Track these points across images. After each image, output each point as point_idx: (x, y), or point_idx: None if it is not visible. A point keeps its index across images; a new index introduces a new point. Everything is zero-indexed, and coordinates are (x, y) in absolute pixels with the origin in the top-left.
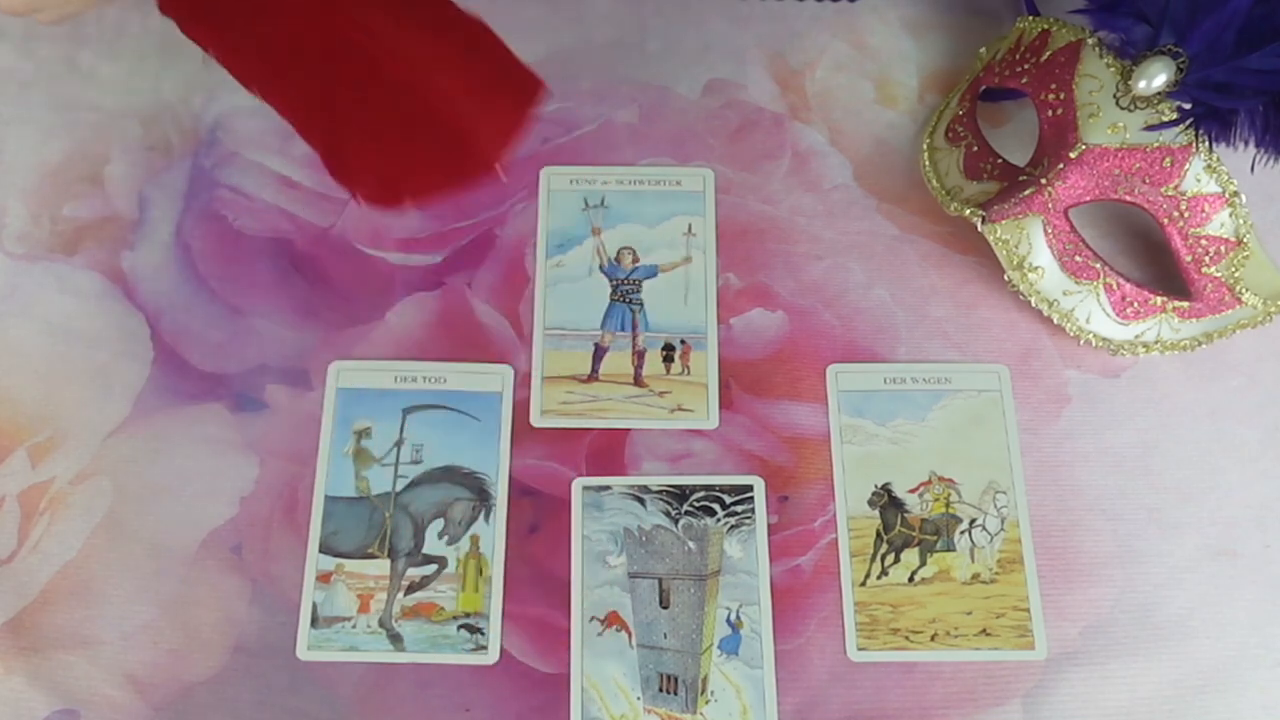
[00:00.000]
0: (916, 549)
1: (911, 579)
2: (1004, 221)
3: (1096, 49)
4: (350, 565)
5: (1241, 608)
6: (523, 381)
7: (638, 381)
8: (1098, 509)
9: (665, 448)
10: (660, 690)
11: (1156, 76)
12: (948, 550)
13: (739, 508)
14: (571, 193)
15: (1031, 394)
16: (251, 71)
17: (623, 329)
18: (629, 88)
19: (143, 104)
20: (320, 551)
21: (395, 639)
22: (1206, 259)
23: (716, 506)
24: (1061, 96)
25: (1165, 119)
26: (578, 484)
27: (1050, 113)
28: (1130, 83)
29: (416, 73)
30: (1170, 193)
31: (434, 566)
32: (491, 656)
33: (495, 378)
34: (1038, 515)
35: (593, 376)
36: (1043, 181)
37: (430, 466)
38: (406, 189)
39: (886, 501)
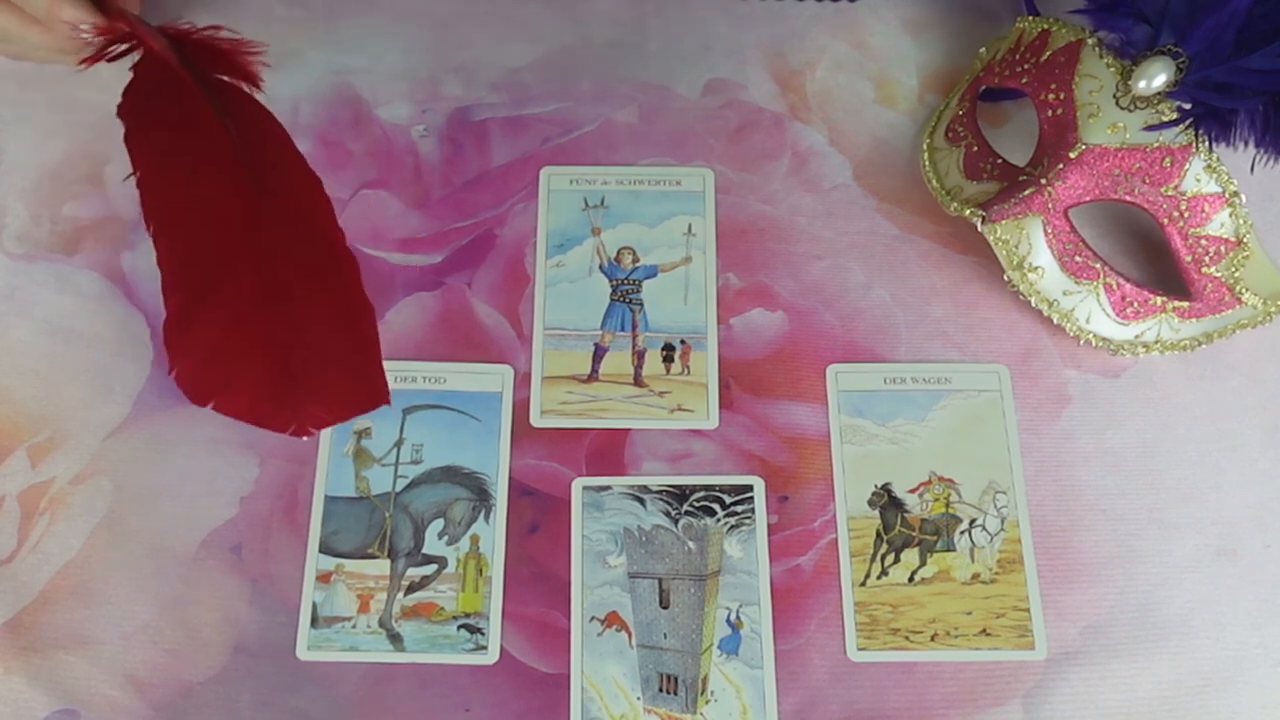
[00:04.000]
0: (916, 549)
1: (911, 579)
2: (1004, 221)
3: (1096, 49)
4: (350, 565)
5: (1241, 608)
6: (523, 381)
7: (638, 381)
8: (1098, 509)
9: (665, 448)
10: (660, 690)
11: (1156, 76)
12: (948, 550)
13: (739, 508)
14: (571, 193)
15: (1031, 394)
16: (160, 208)
17: (623, 329)
18: (629, 88)
19: None
20: (320, 551)
21: (395, 639)
22: (1206, 259)
23: (716, 506)
24: (1061, 96)
25: (1165, 119)
26: (578, 484)
27: (1050, 113)
28: (1130, 83)
29: (293, 309)
30: (1170, 193)
31: (434, 566)
32: (491, 656)
33: (495, 378)
34: (1038, 515)
35: (593, 376)
36: (1043, 181)
37: (430, 466)
38: (217, 396)
39: (886, 501)
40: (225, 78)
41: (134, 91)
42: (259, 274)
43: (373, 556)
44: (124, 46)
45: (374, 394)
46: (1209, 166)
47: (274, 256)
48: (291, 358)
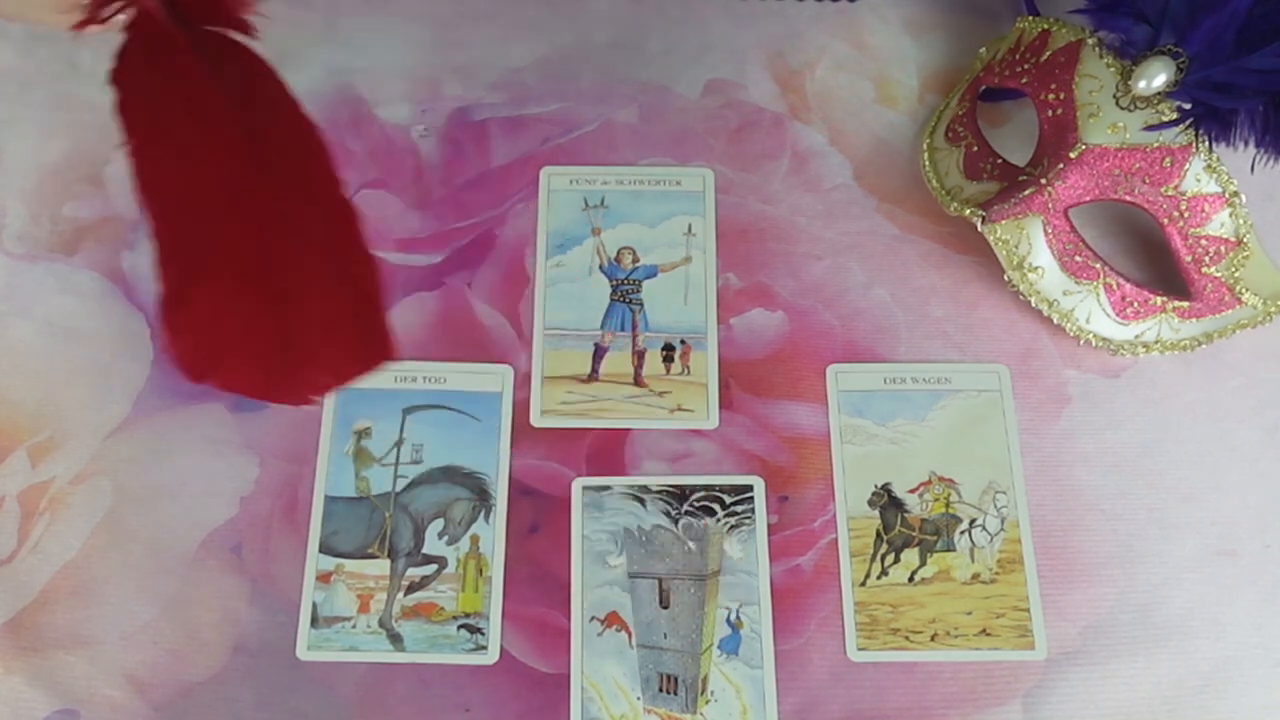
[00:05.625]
0: (916, 549)
1: (911, 579)
2: (1004, 221)
3: (1096, 49)
4: (350, 565)
5: (1241, 608)
6: (523, 381)
7: (638, 381)
8: (1098, 509)
9: (665, 448)
10: (660, 690)
11: (1156, 76)
12: (948, 550)
13: (739, 508)
14: (571, 193)
15: (1031, 394)
16: (152, 179)
17: (623, 329)
18: (629, 88)
19: None
20: (320, 551)
21: (395, 639)
22: (1206, 259)
23: (716, 506)
24: (1061, 96)
25: (1165, 119)
26: (578, 484)
27: (1050, 113)
28: (1130, 83)
29: (288, 274)
30: (1170, 193)
31: (434, 566)
32: (491, 656)
33: (495, 378)
34: (1038, 515)
35: (593, 376)
36: (1043, 181)
37: (430, 466)
38: (213, 372)
39: (886, 501)
40: (217, 29)
41: (125, 54)
42: (255, 241)
43: (373, 556)
44: (117, 5)
45: (377, 350)
46: (1209, 166)
47: (270, 220)
48: (289, 323)
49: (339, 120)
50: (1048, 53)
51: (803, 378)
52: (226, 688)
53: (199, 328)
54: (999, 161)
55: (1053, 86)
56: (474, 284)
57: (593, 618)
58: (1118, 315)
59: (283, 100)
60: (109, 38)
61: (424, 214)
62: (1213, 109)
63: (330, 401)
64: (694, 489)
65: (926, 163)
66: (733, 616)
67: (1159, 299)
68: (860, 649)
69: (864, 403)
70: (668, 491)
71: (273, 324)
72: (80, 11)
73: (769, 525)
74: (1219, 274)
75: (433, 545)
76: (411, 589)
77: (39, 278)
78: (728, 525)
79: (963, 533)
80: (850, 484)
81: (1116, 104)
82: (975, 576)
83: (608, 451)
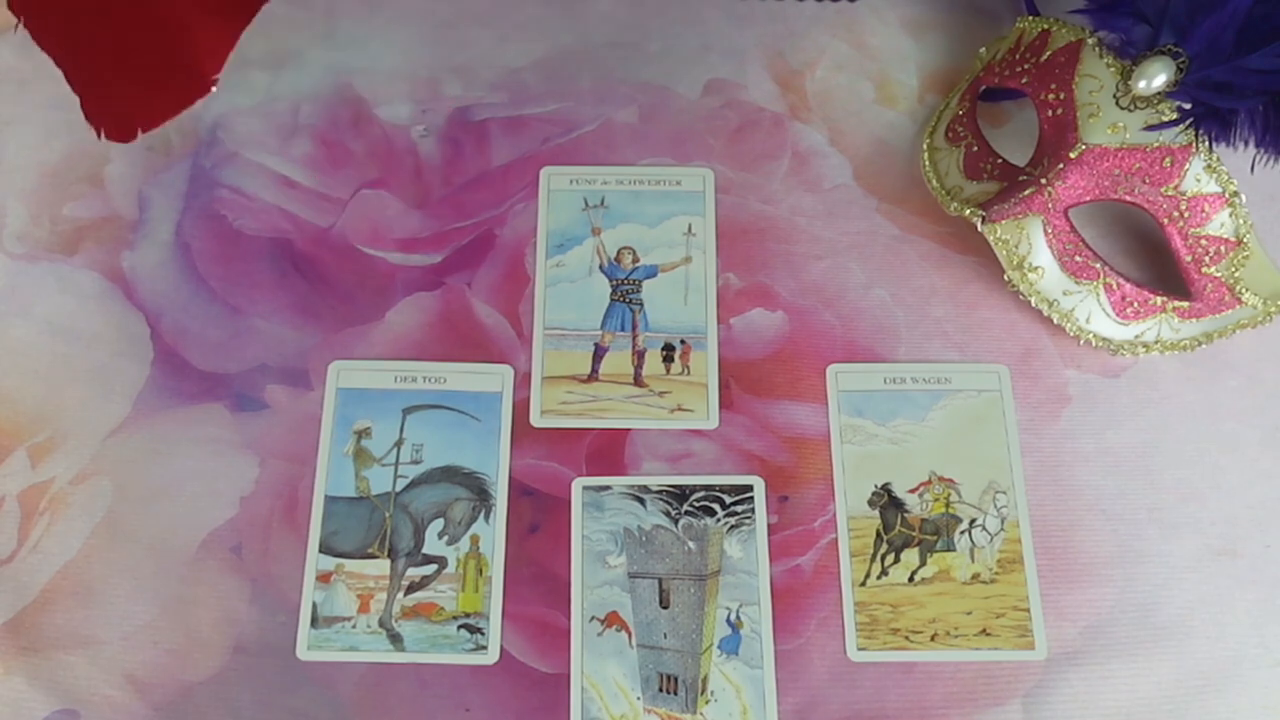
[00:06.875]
0: (916, 549)
1: (911, 579)
2: (1004, 221)
3: (1096, 49)
4: (350, 565)
5: (1241, 608)
6: (523, 381)
7: (638, 381)
8: (1098, 509)
9: (665, 448)
10: (660, 690)
11: (1156, 76)
12: (948, 550)
13: (739, 508)
14: (571, 193)
15: (1031, 394)
16: (42, 29)
17: (623, 329)
18: (629, 88)
19: None
20: (320, 551)
21: (395, 639)
22: (1206, 259)
23: (716, 506)
24: (1061, 96)
25: (1165, 119)
26: (578, 484)
27: (1050, 113)
28: (1130, 83)
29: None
30: (1170, 193)
31: (434, 566)
32: (491, 656)
33: (495, 378)
34: (1038, 515)
35: (593, 376)
36: (1043, 181)
37: (430, 466)
38: (138, 119)
39: (886, 501)
40: None
41: None
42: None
43: (373, 556)
44: None
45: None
46: (1209, 166)
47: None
48: (165, 37)
49: (339, 120)
50: (1048, 53)
51: (803, 378)
52: (226, 688)
53: (107, 100)
54: (999, 161)
55: (1053, 86)
56: (474, 284)
57: (593, 618)
58: (1118, 315)
59: None
60: None
61: (424, 214)
62: (1213, 109)
63: (330, 402)
64: (694, 489)
65: (926, 163)
66: (733, 616)
67: (1159, 299)
68: (860, 649)
69: (864, 403)
70: (668, 491)
71: (153, 45)
72: None
73: (769, 525)
74: (1219, 274)
75: (433, 545)
76: (411, 589)
77: (39, 278)
78: (728, 525)
79: (963, 533)
80: (850, 484)
81: (1116, 104)
82: (975, 576)
83: (608, 451)
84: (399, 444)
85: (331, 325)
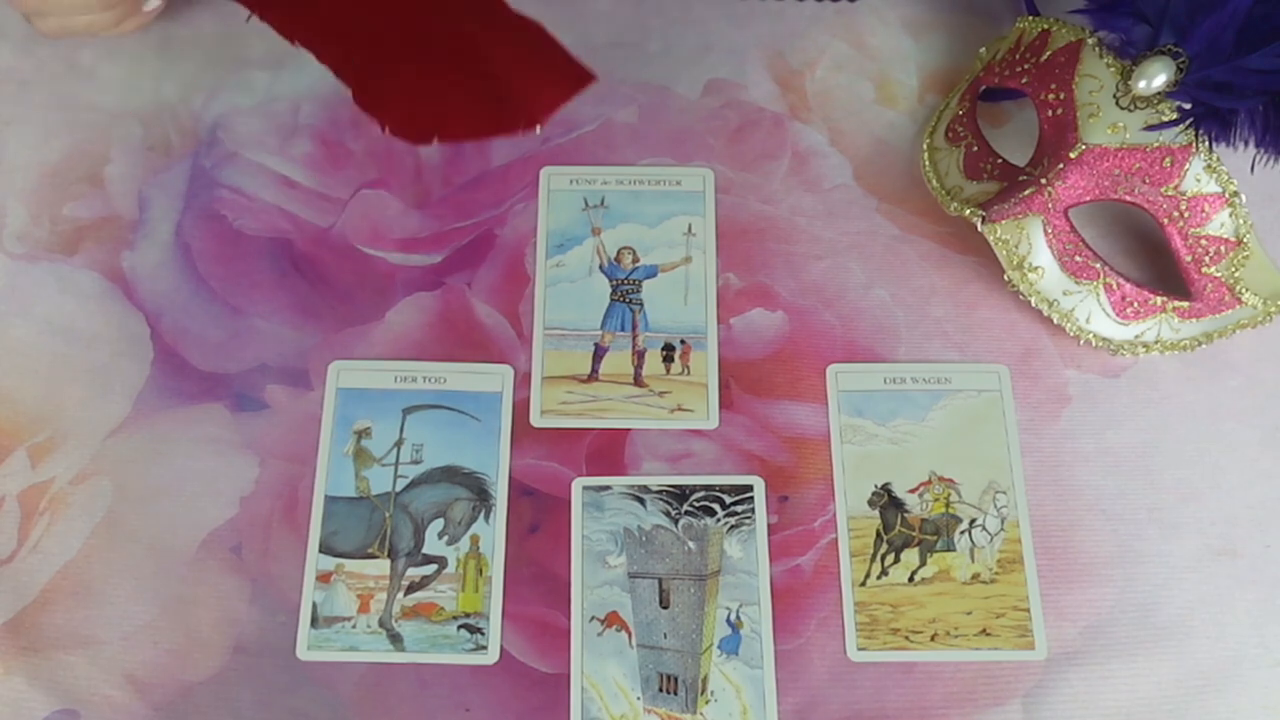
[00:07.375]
0: (916, 549)
1: (911, 579)
2: (1004, 221)
3: (1096, 49)
4: (350, 565)
5: (1241, 608)
6: (523, 381)
7: (638, 381)
8: (1098, 509)
9: (665, 448)
10: (660, 690)
11: (1156, 76)
12: (948, 550)
13: (739, 508)
14: (571, 193)
15: (1031, 394)
16: (288, 20)
17: (623, 329)
18: (629, 88)
19: (143, 104)
20: (320, 551)
21: (395, 639)
22: (1206, 259)
23: (716, 506)
24: (1061, 96)
25: (1165, 119)
26: (578, 484)
27: (1050, 113)
28: (1130, 83)
29: (466, 25)
30: (1170, 193)
31: (434, 566)
32: (491, 656)
33: (495, 378)
34: (1038, 515)
35: (593, 376)
36: (1043, 181)
37: (430, 466)
38: (439, 126)
39: (886, 501)
40: None
41: None
42: (410, 20)
43: (373, 556)
44: None
45: (576, 74)
46: (1209, 166)
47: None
48: (487, 68)
49: (339, 120)
50: (1048, 53)
51: (803, 378)
52: (226, 688)
53: (404, 102)
54: (999, 161)
55: (1053, 86)
56: (474, 284)
57: (593, 618)
58: (1118, 315)
59: None
60: (108, 38)
61: (424, 214)
62: (1213, 109)
63: (330, 402)
64: (694, 489)
65: (926, 163)
66: (733, 616)
67: (1159, 299)
68: (860, 649)
69: (864, 403)
70: (668, 491)
71: (473, 73)
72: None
73: (769, 525)
74: (1219, 274)
75: (433, 545)
76: (411, 589)
77: (39, 278)
78: (728, 525)
79: (963, 533)
80: (850, 484)
81: (1116, 104)
82: (975, 576)
83: (608, 451)
84: (399, 444)
85: (331, 325)
